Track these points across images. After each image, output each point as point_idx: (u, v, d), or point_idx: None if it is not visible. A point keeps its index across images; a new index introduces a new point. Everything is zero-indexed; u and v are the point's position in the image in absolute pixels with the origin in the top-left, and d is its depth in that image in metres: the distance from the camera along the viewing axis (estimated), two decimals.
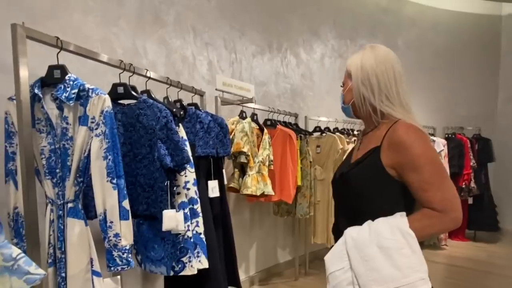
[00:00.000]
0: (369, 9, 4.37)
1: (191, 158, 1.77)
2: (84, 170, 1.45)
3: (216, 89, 2.41)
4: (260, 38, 3.24)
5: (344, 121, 3.90)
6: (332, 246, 1.06)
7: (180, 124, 1.92)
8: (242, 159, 2.46)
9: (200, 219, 1.91)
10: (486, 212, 4.77)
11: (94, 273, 1.47)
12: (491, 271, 3.73)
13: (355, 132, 3.94)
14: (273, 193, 2.71)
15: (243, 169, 2.61)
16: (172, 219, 1.72)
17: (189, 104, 2.12)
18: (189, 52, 2.64)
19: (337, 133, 3.64)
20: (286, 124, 3.12)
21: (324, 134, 3.61)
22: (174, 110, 1.86)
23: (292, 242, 3.68)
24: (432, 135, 4.83)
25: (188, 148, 1.87)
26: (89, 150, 1.43)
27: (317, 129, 3.62)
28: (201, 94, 2.26)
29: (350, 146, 3.74)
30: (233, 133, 2.45)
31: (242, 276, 3.23)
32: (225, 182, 2.17)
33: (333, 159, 3.53)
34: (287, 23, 3.51)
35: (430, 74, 5.04)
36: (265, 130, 2.72)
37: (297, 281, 3.45)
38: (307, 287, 3.34)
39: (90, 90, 1.42)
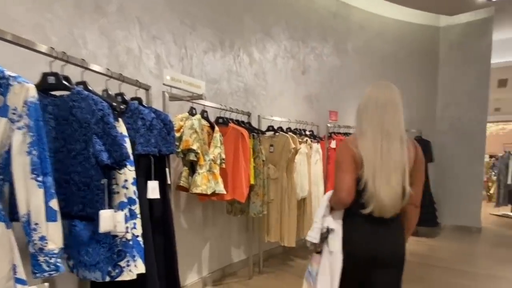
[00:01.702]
0: (319, 13, 4.50)
1: (130, 154, 1.66)
2: (5, 166, 1.29)
3: (163, 84, 2.31)
4: (211, 35, 3.18)
5: (297, 121, 3.96)
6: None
7: (120, 119, 1.80)
8: (192, 157, 2.38)
9: (138, 221, 1.80)
10: (426, 209, 5.10)
11: (18, 280, 1.31)
12: (431, 263, 3.98)
13: (307, 133, 4.02)
14: (224, 192, 2.66)
15: (193, 168, 2.53)
16: (110, 220, 1.61)
17: (132, 99, 2.00)
18: (134, 45, 2.51)
19: (290, 133, 3.68)
20: (238, 123, 3.09)
21: (277, 134, 3.64)
22: (114, 103, 1.74)
23: (246, 241, 3.65)
24: None
25: (128, 144, 1.76)
26: (10, 145, 1.27)
27: (270, 128, 3.63)
28: (146, 88, 2.14)
29: (303, 146, 3.81)
30: (181, 130, 2.36)
31: (195, 277, 3.14)
32: (169, 182, 2.07)
33: (285, 158, 3.56)
34: (240, 22, 3.49)
35: (377, 79, 5.26)
36: (216, 128, 2.66)
37: (251, 280, 3.42)
38: (261, 286, 3.32)
39: (11, 78, 1.27)
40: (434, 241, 5.13)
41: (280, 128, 3.68)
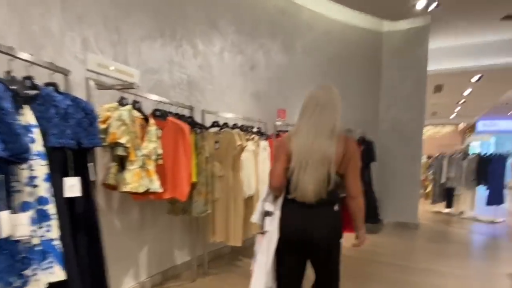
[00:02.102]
0: (267, 8, 4.44)
1: (31, 147, 1.42)
2: None
3: (87, 70, 2.05)
4: (150, 22, 2.95)
5: (244, 118, 3.85)
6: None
7: (26, 106, 1.54)
8: (120, 151, 2.14)
9: (53, 223, 1.56)
10: (369, 207, 5.27)
11: None
12: (373, 259, 4.09)
13: (254, 130, 3.92)
14: (160, 190, 2.45)
15: (123, 164, 2.29)
16: (6, 223, 1.35)
17: (46, 84, 1.73)
18: (54, 25, 2.21)
19: (236, 130, 3.56)
20: (179, 117, 2.89)
21: (222, 130, 3.49)
22: (16, 87, 1.48)
23: (190, 242, 3.45)
24: None
25: (34, 135, 1.50)
26: None
27: (215, 124, 3.47)
28: (65, 73, 1.88)
29: (249, 143, 3.70)
30: (108, 122, 2.12)
31: (131, 282, 2.88)
32: (93, 179, 1.83)
33: (231, 155, 3.43)
34: (182, 11, 3.29)
35: (324, 78, 5.37)
36: (151, 121, 2.44)
37: (194, 283, 3.25)
38: None
39: None
40: (376, 237, 5.31)
41: (226, 124, 3.54)
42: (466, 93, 9.87)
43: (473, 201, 7.09)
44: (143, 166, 2.32)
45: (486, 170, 6.77)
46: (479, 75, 8.01)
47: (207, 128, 3.22)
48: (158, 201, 2.92)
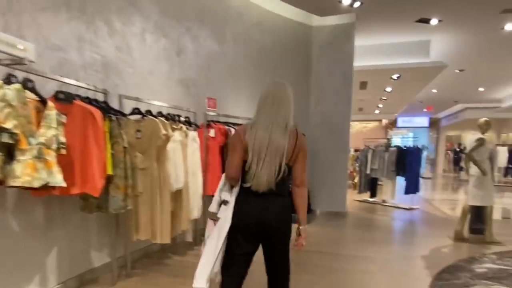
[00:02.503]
0: None
1: None
2: None
3: None
4: None
5: (171, 106, 3.57)
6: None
7: None
8: (5, 138, 1.76)
9: None
10: None
11: None
12: (306, 248, 4.07)
13: (182, 119, 3.67)
14: (63, 184, 2.10)
15: (11, 153, 1.89)
16: None
17: None
18: None
19: (161, 118, 3.28)
20: (90, 101, 2.53)
21: (145, 118, 3.18)
22: None
23: (110, 242, 3.08)
24: None
25: None
26: None
27: (136, 111, 3.15)
28: None
29: (176, 133, 3.45)
30: None
31: None
32: None
33: (155, 146, 3.14)
34: None
35: (256, 69, 5.31)
36: (50, 104, 2.07)
37: (115, 286, 2.94)
38: None
39: None
40: (309, 227, 5.36)
41: (149, 112, 3.24)
42: (388, 89, 10.69)
43: (394, 190, 7.68)
44: (39, 157, 1.95)
45: (404, 161, 7.37)
46: (398, 74, 8.72)
47: (124, 115, 2.89)
48: (69, 197, 2.54)
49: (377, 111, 16.52)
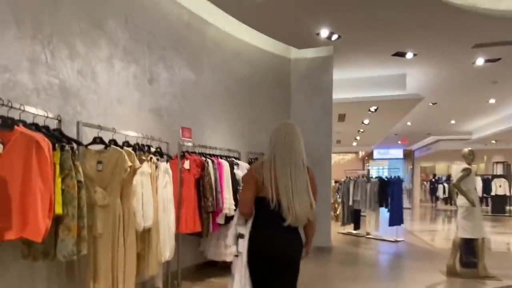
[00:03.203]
0: (169, 19, 4.04)
1: None
2: None
3: None
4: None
5: (143, 135, 3.25)
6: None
7: None
8: None
9: None
10: None
11: None
12: None
13: (152, 149, 3.35)
14: None
15: None
16: None
17: None
18: None
19: (127, 148, 2.94)
20: (37, 128, 2.19)
21: (108, 148, 2.84)
22: None
23: None
24: (237, 158, 4.82)
25: None
26: None
27: (97, 140, 2.81)
28: None
29: (145, 165, 3.11)
30: None
31: None
32: None
33: (119, 179, 2.77)
34: (52, 1, 2.67)
35: (235, 100, 5.14)
36: None
37: None
38: None
39: None
40: None
41: (114, 142, 2.90)
42: (366, 121, 10.80)
43: (377, 221, 7.45)
44: None
45: (387, 192, 7.23)
46: (375, 106, 8.82)
47: (81, 144, 2.55)
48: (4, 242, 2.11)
49: (354, 143, 16.70)
